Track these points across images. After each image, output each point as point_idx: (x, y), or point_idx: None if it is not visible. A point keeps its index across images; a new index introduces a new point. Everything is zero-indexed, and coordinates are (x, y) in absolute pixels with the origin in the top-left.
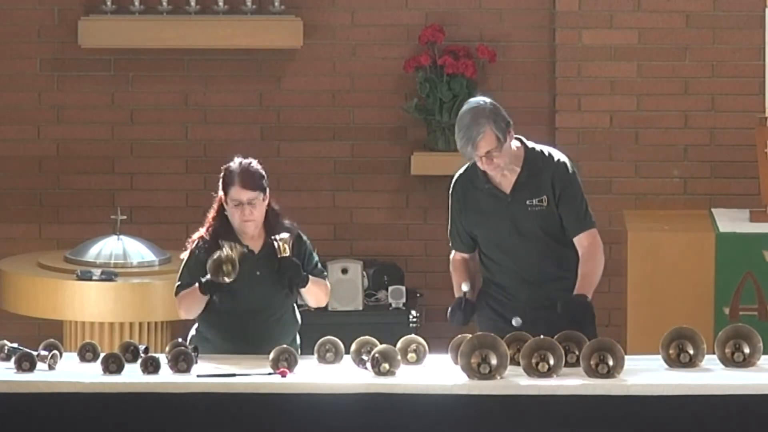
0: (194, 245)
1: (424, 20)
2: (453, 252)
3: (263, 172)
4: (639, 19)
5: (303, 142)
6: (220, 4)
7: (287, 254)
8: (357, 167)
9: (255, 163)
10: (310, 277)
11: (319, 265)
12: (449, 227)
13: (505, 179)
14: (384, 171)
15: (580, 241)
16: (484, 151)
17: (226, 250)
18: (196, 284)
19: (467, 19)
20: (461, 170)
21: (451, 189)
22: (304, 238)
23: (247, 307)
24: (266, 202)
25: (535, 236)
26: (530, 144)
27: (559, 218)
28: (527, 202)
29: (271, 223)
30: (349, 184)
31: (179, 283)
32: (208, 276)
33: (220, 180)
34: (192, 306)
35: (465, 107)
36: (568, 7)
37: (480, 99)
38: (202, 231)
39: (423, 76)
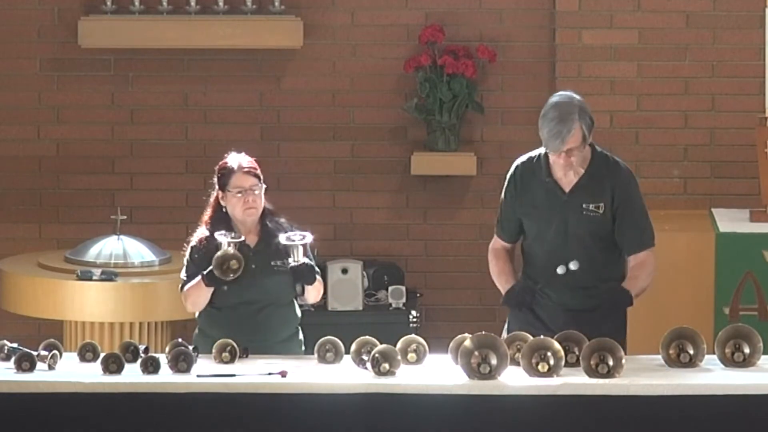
0: (195, 242)
1: (424, 20)
2: (494, 240)
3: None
4: (639, 19)
5: (303, 142)
6: (220, 4)
7: (300, 260)
8: (357, 167)
9: (248, 157)
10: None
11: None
12: (499, 213)
13: (567, 177)
14: (384, 171)
15: (636, 257)
16: (569, 147)
17: (227, 247)
18: (200, 277)
19: (467, 19)
20: (524, 158)
21: (510, 174)
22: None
23: (242, 300)
24: (263, 194)
25: (583, 241)
26: (598, 147)
27: (611, 227)
28: (583, 205)
29: (267, 218)
30: (349, 184)
31: (184, 278)
32: (215, 272)
33: (217, 177)
34: (198, 299)
35: (555, 99)
36: (568, 7)
37: (570, 93)
38: (201, 231)
39: (423, 76)
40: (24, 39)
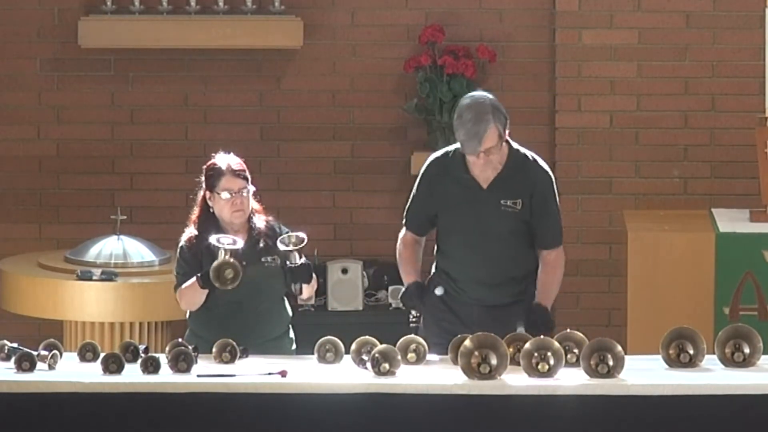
0: (184, 241)
1: (424, 20)
2: (404, 231)
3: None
4: (639, 19)
5: (303, 142)
6: (220, 4)
7: (297, 262)
8: (357, 167)
9: (236, 158)
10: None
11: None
12: (409, 205)
13: (484, 174)
14: (384, 171)
15: (549, 254)
16: (486, 147)
17: (224, 256)
18: (195, 278)
19: (467, 19)
20: (438, 154)
21: (424, 168)
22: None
23: (234, 299)
24: (250, 196)
25: (501, 236)
26: (515, 145)
27: (528, 224)
28: (501, 201)
29: (254, 217)
30: (349, 184)
31: (178, 278)
32: (214, 283)
33: (205, 177)
34: (193, 299)
35: (467, 101)
36: (568, 7)
37: (482, 93)
38: (190, 230)
39: (423, 76)
40: (24, 39)
